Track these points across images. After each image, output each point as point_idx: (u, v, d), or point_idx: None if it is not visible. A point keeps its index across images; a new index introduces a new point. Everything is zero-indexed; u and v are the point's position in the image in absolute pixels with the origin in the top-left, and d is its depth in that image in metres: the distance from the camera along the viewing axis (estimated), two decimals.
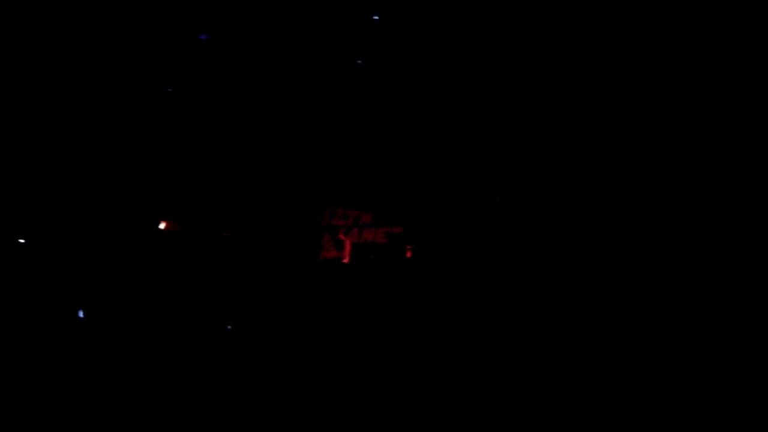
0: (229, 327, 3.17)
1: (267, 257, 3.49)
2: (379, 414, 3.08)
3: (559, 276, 3.30)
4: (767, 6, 3.39)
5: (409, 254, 3.43)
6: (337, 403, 3.10)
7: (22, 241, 3.10)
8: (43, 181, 3.32)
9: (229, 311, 3.23)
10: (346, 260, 3.63)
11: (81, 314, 3.11)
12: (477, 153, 3.48)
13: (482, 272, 3.32)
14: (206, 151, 3.53)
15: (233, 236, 3.34)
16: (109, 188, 3.41)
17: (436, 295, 3.34)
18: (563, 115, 3.45)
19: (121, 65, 3.55)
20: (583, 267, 3.29)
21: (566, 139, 3.45)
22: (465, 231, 3.43)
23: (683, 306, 3.17)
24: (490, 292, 3.30)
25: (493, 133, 3.47)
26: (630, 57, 3.44)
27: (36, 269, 3.12)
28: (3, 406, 3.00)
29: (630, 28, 3.46)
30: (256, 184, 3.49)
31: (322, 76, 3.51)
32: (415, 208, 3.56)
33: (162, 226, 2.84)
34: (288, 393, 3.14)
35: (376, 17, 3.52)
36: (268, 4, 3.59)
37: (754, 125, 3.30)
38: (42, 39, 3.47)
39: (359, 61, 3.45)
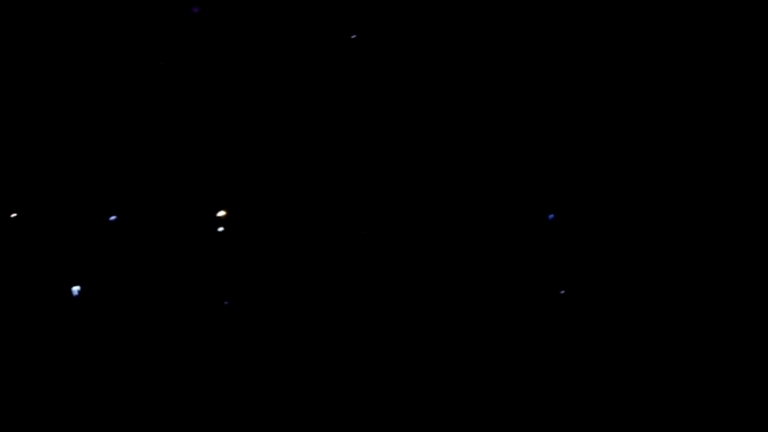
0: (226, 303, 3.11)
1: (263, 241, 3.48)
2: (378, 409, 3.10)
3: (558, 271, 3.33)
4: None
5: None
6: (337, 400, 3.11)
7: (13, 215, 3.06)
8: (34, 163, 3.27)
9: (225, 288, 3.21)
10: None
11: (75, 292, 3.06)
12: (475, 149, 3.50)
13: (480, 265, 3.34)
14: (200, 129, 3.50)
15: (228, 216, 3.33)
16: (99, 168, 3.37)
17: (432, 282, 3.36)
18: (562, 112, 3.48)
19: (110, 40, 3.51)
20: (582, 262, 3.33)
21: (563, 134, 3.48)
22: (462, 224, 3.45)
23: (683, 304, 3.22)
24: (488, 287, 3.33)
25: (491, 129, 3.49)
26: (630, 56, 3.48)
27: (32, 249, 3.09)
28: (3, 401, 2.97)
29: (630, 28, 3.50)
30: (252, 166, 3.48)
31: (317, 54, 3.49)
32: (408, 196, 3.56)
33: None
34: (287, 388, 3.14)
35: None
36: None
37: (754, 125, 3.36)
38: (25, 16, 3.41)
39: (353, 36, 3.43)
